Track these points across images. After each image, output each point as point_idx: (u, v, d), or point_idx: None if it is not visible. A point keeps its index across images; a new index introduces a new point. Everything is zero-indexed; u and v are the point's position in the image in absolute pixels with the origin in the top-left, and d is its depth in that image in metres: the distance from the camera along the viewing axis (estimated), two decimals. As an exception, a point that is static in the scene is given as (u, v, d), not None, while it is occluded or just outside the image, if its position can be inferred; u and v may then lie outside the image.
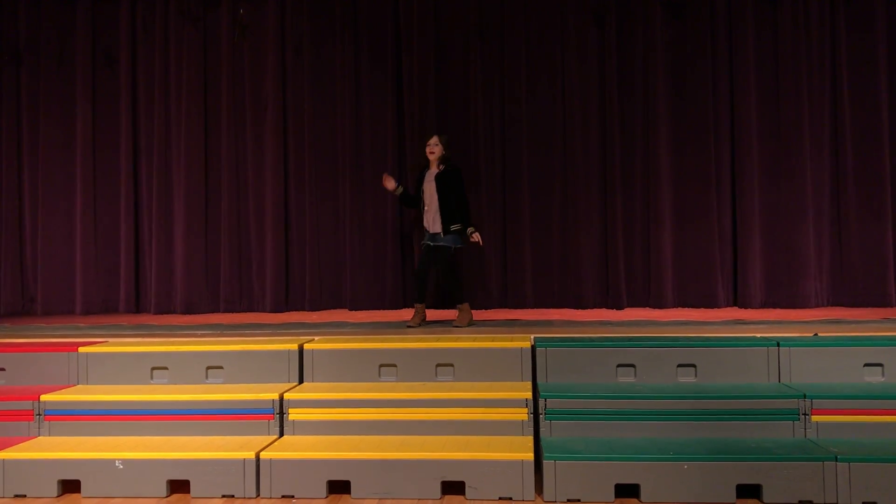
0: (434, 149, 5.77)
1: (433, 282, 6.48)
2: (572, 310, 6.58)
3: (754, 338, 4.53)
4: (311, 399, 4.25)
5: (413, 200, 5.96)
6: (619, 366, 4.39)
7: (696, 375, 4.36)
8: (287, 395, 4.25)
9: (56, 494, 3.93)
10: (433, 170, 5.80)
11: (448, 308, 6.52)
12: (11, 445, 4.10)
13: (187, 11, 7.06)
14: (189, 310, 6.94)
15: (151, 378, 4.59)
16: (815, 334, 4.59)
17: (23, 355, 4.70)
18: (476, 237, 5.70)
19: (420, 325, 5.65)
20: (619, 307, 6.59)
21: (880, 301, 6.38)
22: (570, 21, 6.75)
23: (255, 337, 5.00)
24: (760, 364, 4.33)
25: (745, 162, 6.61)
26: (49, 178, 7.17)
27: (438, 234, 5.71)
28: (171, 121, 7.10)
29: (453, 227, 5.67)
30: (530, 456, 3.79)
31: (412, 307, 5.95)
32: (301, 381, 4.57)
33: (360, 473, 3.82)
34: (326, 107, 6.99)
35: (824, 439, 3.93)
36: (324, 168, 6.99)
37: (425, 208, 5.80)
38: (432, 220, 5.74)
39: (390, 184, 5.87)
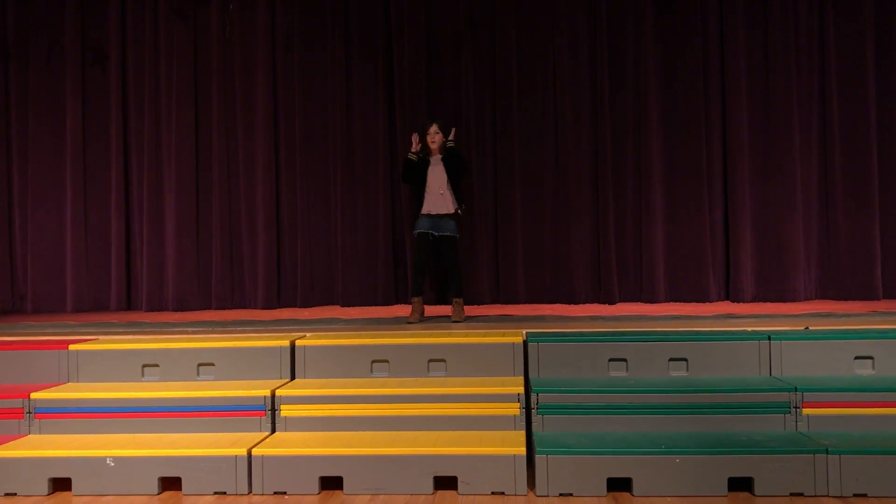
0: (435, 137, 5.74)
1: (431, 274, 6.46)
2: (564, 304, 6.57)
3: (745, 331, 4.54)
4: (302, 395, 4.24)
5: (416, 175, 5.80)
6: (610, 360, 4.40)
7: (687, 369, 4.36)
8: (279, 392, 4.24)
9: (47, 493, 3.91)
10: (437, 157, 5.76)
11: (442, 304, 6.52)
12: (1, 444, 4.08)
13: (177, 8, 7.02)
14: (181, 307, 6.92)
15: (142, 375, 4.57)
16: (806, 328, 4.62)
17: (13, 353, 4.67)
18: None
19: (420, 321, 5.55)
20: (611, 302, 6.60)
21: (867, 294, 6.42)
22: (562, 15, 6.74)
23: (247, 334, 4.99)
24: (752, 357, 4.35)
25: (736, 156, 6.61)
26: (38, 176, 7.13)
27: (444, 219, 5.66)
28: (161, 118, 7.07)
29: (457, 208, 5.69)
30: (522, 450, 3.79)
31: (405, 303, 5.89)
32: (293, 377, 4.56)
33: (353, 469, 3.81)
34: (317, 102, 6.96)
35: (815, 432, 3.95)
36: (315, 164, 6.97)
37: (427, 193, 5.71)
38: (436, 203, 5.66)
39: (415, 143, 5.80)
